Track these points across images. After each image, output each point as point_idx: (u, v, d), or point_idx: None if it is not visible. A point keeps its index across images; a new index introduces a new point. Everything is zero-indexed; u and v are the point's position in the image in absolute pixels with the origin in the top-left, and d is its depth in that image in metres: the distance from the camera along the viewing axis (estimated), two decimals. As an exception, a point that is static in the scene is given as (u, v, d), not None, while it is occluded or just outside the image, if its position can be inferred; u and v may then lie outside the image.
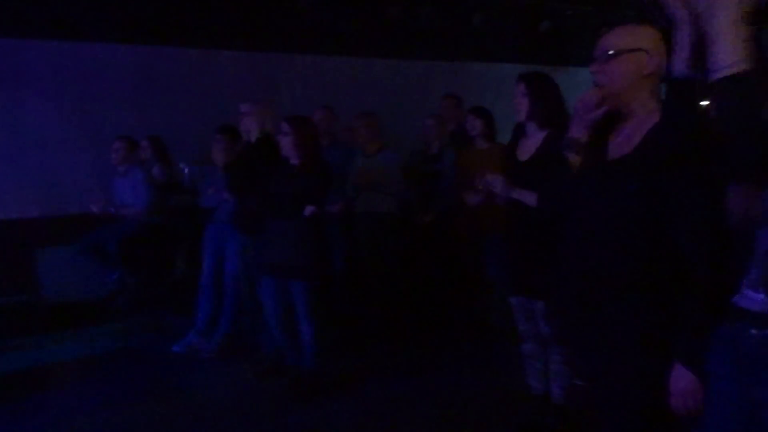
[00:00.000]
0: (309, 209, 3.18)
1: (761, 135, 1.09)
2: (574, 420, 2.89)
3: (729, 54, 1.08)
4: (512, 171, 2.79)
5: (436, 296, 4.92)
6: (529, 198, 2.66)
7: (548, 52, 6.52)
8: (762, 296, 1.25)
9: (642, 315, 1.58)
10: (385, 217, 4.53)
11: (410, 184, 4.75)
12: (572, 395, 2.83)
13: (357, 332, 4.64)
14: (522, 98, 2.64)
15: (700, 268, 1.46)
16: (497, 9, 6.60)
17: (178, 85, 5.66)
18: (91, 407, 3.48)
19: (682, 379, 1.47)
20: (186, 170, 4.59)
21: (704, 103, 1.38)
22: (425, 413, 3.35)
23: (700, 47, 1.22)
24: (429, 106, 5.43)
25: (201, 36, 5.65)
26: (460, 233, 4.20)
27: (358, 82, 6.33)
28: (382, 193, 4.50)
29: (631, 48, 1.65)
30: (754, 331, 1.26)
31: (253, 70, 5.98)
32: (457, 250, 4.52)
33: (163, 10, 5.44)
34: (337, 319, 4.79)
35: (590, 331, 1.72)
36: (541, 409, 3.01)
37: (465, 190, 3.73)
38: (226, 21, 5.68)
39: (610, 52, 1.67)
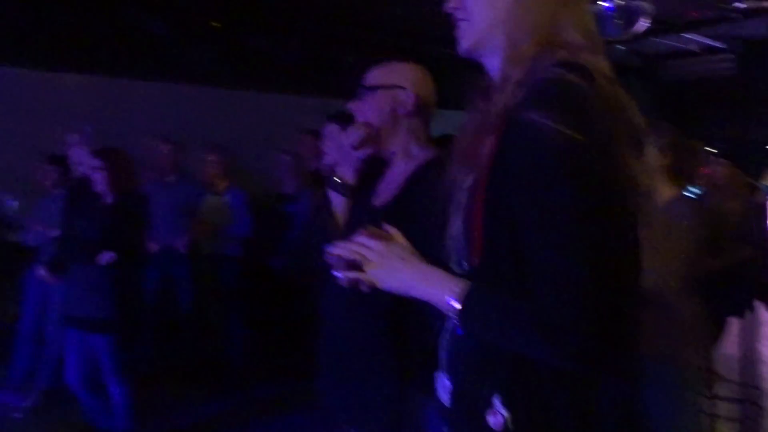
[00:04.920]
0: (105, 256, 2.84)
1: None
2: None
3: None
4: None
5: (282, 342, 4.68)
6: None
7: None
8: (447, 383, 1.04)
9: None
10: (227, 259, 4.24)
11: (259, 224, 4.50)
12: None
13: (197, 382, 4.29)
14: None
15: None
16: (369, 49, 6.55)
17: (5, 107, 5.12)
18: None
19: None
20: (9, 203, 4.10)
21: None
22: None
23: None
24: (284, 141, 5.17)
25: (38, 56, 5.16)
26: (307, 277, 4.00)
27: (210, 113, 6.01)
28: (227, 235, 4.23)
29: (387, 84, 1.53)
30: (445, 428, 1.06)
31: (93, 95, 5.53)
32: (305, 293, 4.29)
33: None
34: (178, 369, 4.46)
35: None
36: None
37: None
38: (66, 40, 5.23)
39: (366, 87, 1.56)
